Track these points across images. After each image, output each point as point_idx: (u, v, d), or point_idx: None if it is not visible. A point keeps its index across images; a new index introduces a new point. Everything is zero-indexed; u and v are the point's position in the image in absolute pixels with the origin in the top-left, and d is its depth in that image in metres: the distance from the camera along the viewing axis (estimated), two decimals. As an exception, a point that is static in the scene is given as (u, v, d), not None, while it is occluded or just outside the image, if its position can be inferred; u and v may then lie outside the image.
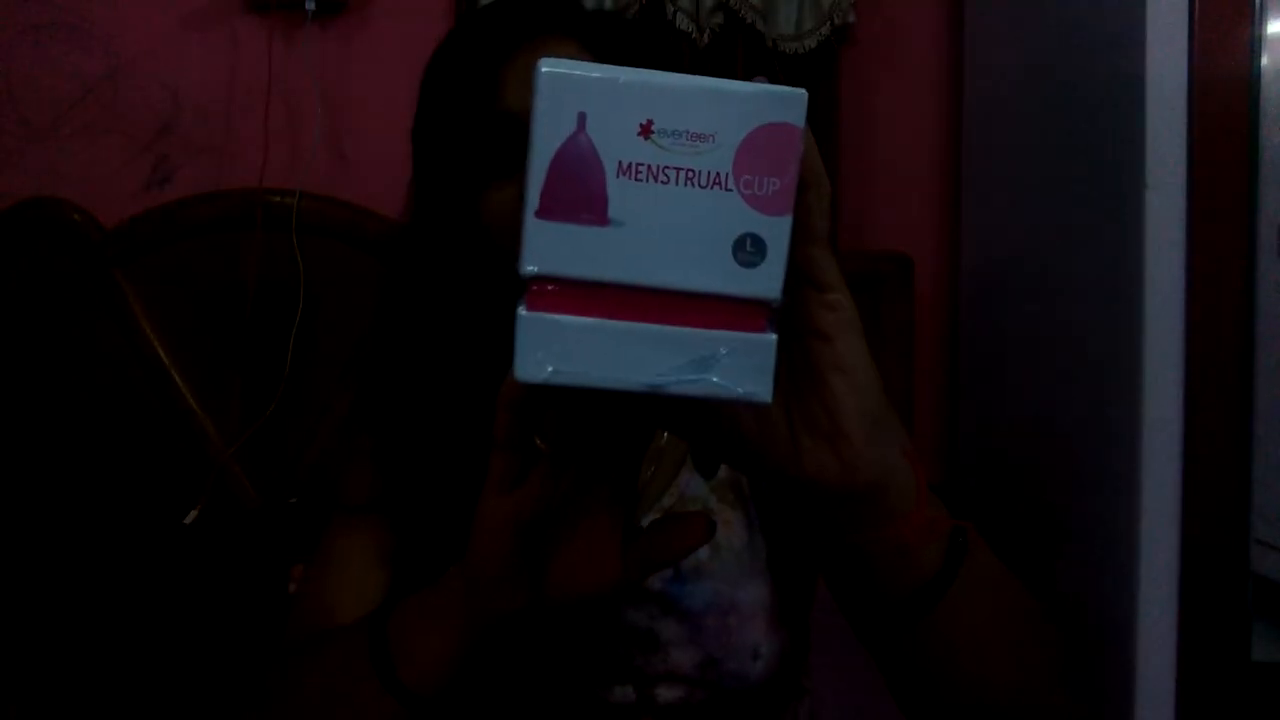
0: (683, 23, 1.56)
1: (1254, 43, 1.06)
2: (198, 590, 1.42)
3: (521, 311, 0.36)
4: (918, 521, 0.44)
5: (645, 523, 0.72)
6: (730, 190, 0.35)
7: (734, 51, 1.61)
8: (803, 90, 0.36)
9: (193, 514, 1.47)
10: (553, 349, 0.36)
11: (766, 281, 0.36)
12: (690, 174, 0.35)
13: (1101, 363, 1.18)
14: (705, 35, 1.58)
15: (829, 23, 1.60)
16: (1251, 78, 1.06)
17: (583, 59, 0.68)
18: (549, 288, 0.36)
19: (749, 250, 0.36)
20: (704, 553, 0.71)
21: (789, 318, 0.39)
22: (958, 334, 1.69)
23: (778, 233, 0.36)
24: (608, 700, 0.70)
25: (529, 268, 0.36)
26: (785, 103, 0.36)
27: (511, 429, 0.45)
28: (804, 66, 1.61)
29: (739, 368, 0.37)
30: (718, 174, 0.35)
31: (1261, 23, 1.06)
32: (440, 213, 0.70)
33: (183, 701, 1.38)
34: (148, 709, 1.38)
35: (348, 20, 1.61)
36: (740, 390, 0.37)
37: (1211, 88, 1.06)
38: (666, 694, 0.70)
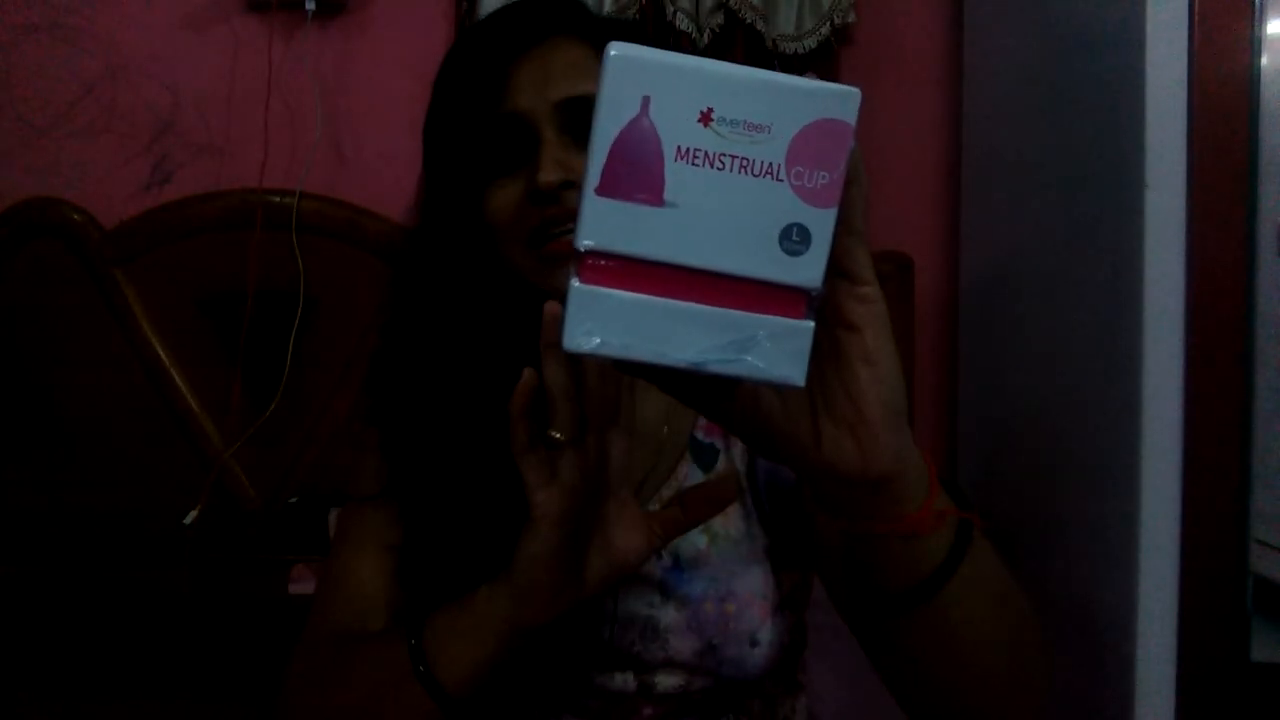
0: (683, 23, 1.56)
1: (1254, 43, 1.06)
2: (198, 590, 1.42)
3: (574, 283, 0.37)
4: (927, 511, 0.45)
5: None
6: (781, 181, 0.37)
7: (734, 51, 1.61)
8: (857, 89, 0.38)
9: (193, 514, 1.47)
10: (601, 321, 0.37)
11: (809, 270, 0.38)
12: (745, 162, 0.37)
13: (1101, 362, 1.18)
14: (705, 35, 1.58)
15: (829, 23, 1.60)
16: (1251, 78, 1.06)
17: (585, 62, 0.68)
18: (602, 262, 0.37)
19: (795, 240, 0.37)
20: (702, 541, 0.72)
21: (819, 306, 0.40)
22: (958, 334, 1.69)
23: (823, 224, 0.38)
24: (607, 688, 0.70)
25: (585, 242, 0.37)
26: (840, 100, 0.38)
27: (527, 434, 0.50)
28: (804, 66, 1.61)
29: (777, 351, 0.38)
30: (771, 164, 0.37)
31: (1261, 23, 1.06)
32: (446, 211, 0.72)
33: (182, 701, 1.38)
34: (148, 709, 1.38)
35: (348, 20, 1.61)
36: (776, 373, 0.38)
37: (1211, 88, 1.06)
38: (666, 681, 0.70)
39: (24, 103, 1.57)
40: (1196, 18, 1.06)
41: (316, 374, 1.50)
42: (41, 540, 1.48)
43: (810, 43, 1.60)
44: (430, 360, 0.72)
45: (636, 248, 0.37)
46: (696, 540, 0.72)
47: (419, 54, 1.61)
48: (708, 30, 1.58)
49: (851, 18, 1.62)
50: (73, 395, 1.51)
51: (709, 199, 0.37)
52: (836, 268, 0.40)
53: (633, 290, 0.37)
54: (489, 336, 0.70)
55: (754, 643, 0.70)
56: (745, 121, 0.36)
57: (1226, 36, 1.06)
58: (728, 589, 0.71)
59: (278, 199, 1.52)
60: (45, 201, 1.51)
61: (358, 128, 1.61)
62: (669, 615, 0.70)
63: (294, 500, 1.48)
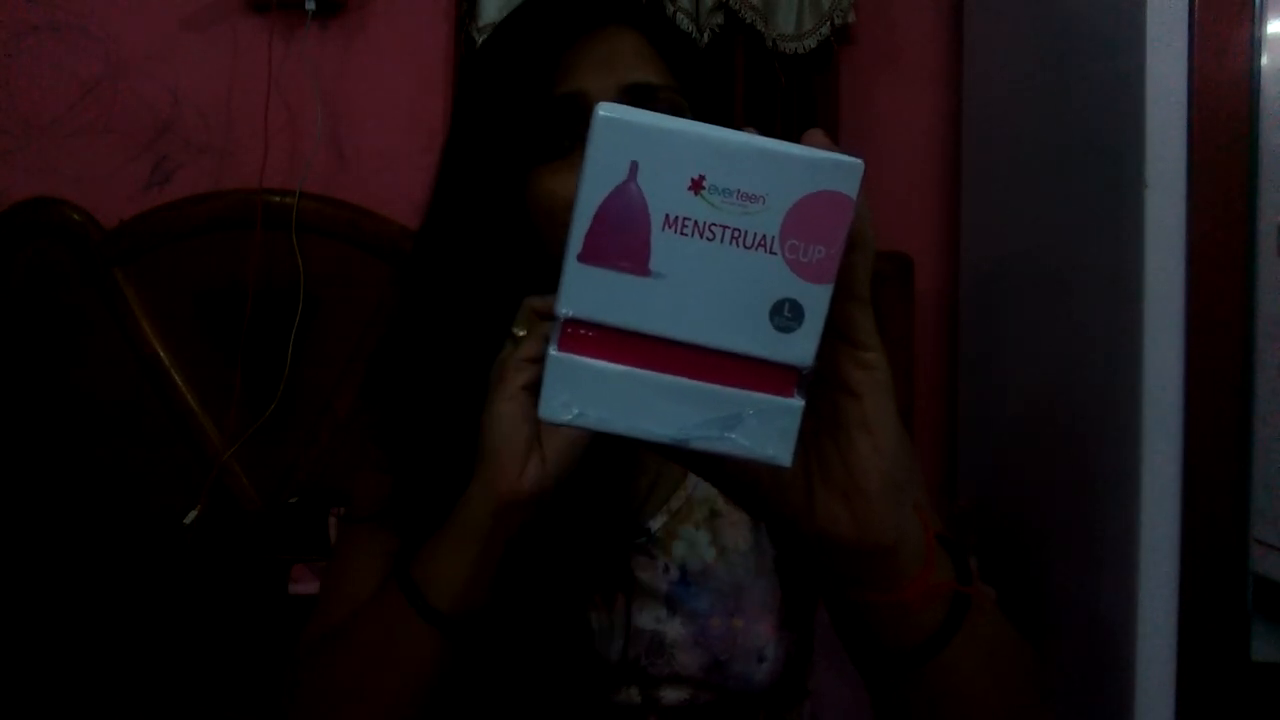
0: (683, 23, 1.56)
1: (1254, 43, 1.06)
2: (198, 590, 1.42)
3: (552, 351, 0.36)
4: (923, 584, 0.44)
5: (654, 526, 0.72)
6: (775, 254, 0.35)
7: (734, 51, 1.61)
8: (860, 160, 0.35)
9: (193, 514, 1.47)
10: (580, 392, 0.36)
11: (801, 348, 0.36)
12: (737, 234, 0.35)
13: (1101, 362, 1.18)
14: (705, 35, 1.58)
15: (829, 23, 1.60)
16: (1251, 78, 1.06)
17: (646, 52, 0.67)
18: (583, 331, 0.36)
19: (786, 315, 0.36)
20: (710, 554, 0.71)
21: (819, 369, 0.39)
22: (958, 334, 1.69)
23: (817, 300, 0.36)
24: (613, 701, 0.70)
25: (565, 310, 0.36)
26: (841, 171, 0.35)
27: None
28: (804, 66, 1.61)
29: (764, 430, 0.37)
30: (764, 236, 0.35)
31: (1261, 23, 1.06)
32: (478, 195, 0.68)
33: (182, 701, 1.38)
34: (147, 709, 1.38)
35: (348, 20, 1.61)
36: (763, 452, 0.37)
37: (1211, 88, 1.06)
38: (672, 695, 0.70)
39: (24, 103, 1.57)
40: (1196, 18, 1.06)
41: (316, 374, 1.50)
42: (41, 540, 1.48)
43: (810, 42, 1.60)
44: (446, 356, 0.68)
45: (619, 318, 0.36)
46: (705, 553, 0.71)
47: (419, 54, 1.61)
48: (708, 30, 1.58)
49: (851, 18, 1.62)
50: (73, 395, 1.50)
51: (697, 270, 0.35)
52: (839, 332, 0.38)
53: (614, 361, 0.36)
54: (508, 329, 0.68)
55: (761, 658, 0.69)
56: (739, 191, 0.34)
57: (1226, 37, 1.06)
58: (736, 604, 0.70)
59: (278, 199, 1.52)
60: (45, 201, 1.51)
61: (358, 128, 1.61)
62: (676, 630, 0.69)
63: (294, 500, 1.48)
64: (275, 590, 1.34)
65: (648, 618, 0.70)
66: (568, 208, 0.64)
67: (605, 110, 0.34)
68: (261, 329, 1.50)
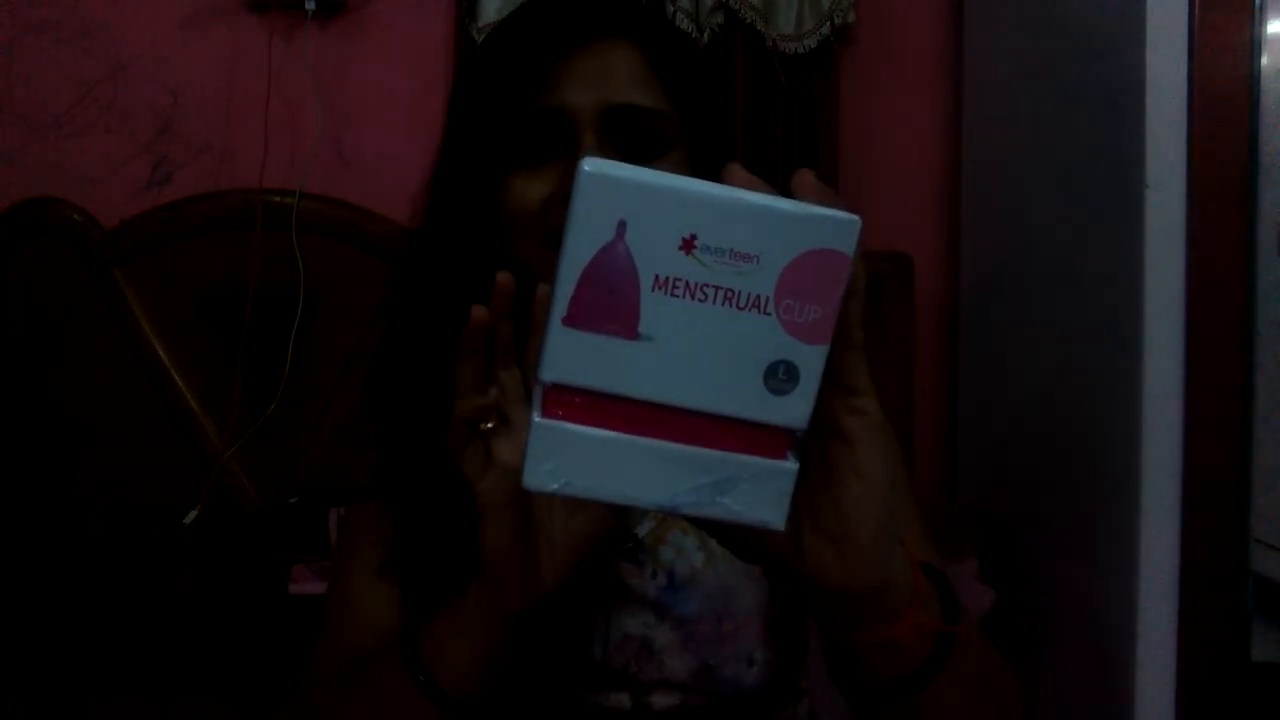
0: (683, 23, 1.56)
1: (1254, 43, 1.06)
2: (197, 590, 1.42)
3: (535, 418, 0.35)
4: (910, 624, 0.44)
5: (641, 531, 0.72)
6: (769, 315, 0.34)
7: (734, 51, 1.61)
8: (856, 217, 0.34)
9: (193, 514, 1.47)
10: (565, 460, 0.35)
11: (795, 410, 0.35)
12: (730, 294, 0.34)
13: (1101, 362, 1.18)
14: (705, 35, 1.58)
15: (829, 23, 1.60)
16: (1251, 78, 1.06)
17: (639, 69, 0.66)
18: (568, 397, 0.35)
19: (781, 377, 0.35)
20: (698, 559, 0.71)
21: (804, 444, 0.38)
22: (958, 334, 1.69)
23: (812, 361, 0.35)
24: (603, 707, 0.70)
25: (548, 376, 0.34)
26: (837, 229, 0.34)
27: (463, 434, 0.51)
28: (804, 66, 1.61)
29: (756, 494, 0.36)
30: (758, 297, 0.34)
31: (1261, 23, 1.06)
32: (460, 197, 0.69)
33: (182, 701, 1.38)
34: (147, 709, 1.38)
35: (348, 20, 1.61)
36: (755, 516, 0.36)
37: (1211, 88, 1.06)
38: (662, 701, 0.69)
39: (24, 103, 1.57)
40: (1196, 18, 1.06)
41: (316, 374, 1.50)
42: (41, 540, 1.48)
43: (810, 42, 1.60)
44: (430, 356, 0.69)
45: (606, 383, 0.34)
46: (692, 558, 0.71)
47: (419, 54, 1.61)
48: (708, 30, 1.58)
49: (851, 18, 1.62)
50: (73, 395, 1.51)
51: (688, 333, 0.34)
52: (832, 378, 0.37)
53: (601, 427, 0.35)
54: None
55: (751, 662, 0.69)
56: (731, 250, 0.33)
57: (1226, 37, 1.06)
58: (724, 608, 0.70)
59: (278, 199, 1.52)
60: (45, 201, 1.51)
61: (358, 128, 1.61)
62: (664, 635, 0.69)
63: (294, 500, 1.48)
64: (275, 590, 1.34)
65: (636, 624, 0.69)
66: (535, 216, 0.65)
67: (590, 166, 0.33)
68: (261, 329, 1.50)
